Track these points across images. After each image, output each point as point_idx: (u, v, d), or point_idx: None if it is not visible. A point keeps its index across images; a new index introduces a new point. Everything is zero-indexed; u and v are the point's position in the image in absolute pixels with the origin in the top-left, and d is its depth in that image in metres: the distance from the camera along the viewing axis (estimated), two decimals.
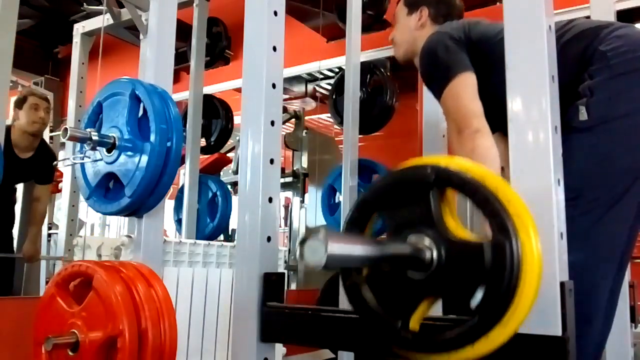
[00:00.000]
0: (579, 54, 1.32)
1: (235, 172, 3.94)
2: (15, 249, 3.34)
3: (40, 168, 3.14)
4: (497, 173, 1.36)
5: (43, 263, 3.73)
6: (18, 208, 3.49)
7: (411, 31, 1.81)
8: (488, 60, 1.46)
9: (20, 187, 3.49)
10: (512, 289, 0.70)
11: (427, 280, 0.77)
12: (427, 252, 0.77)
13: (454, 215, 0.81)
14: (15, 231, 3.49)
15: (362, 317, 0.85)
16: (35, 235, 3.17)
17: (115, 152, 1.24)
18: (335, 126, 3.50)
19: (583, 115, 1.24)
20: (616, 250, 1.25)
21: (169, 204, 1.69)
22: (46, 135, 3.84)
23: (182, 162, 2.57)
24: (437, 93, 1.49)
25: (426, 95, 2.11)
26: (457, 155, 1.41)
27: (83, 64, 3.21)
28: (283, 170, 3.66)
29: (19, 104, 3.03)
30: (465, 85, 1.43)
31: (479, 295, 0.72)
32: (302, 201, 3.93)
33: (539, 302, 0.80)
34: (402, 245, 0.79)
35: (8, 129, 2.86)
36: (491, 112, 1.44)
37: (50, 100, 3.23)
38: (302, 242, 0.67)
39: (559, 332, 0.78)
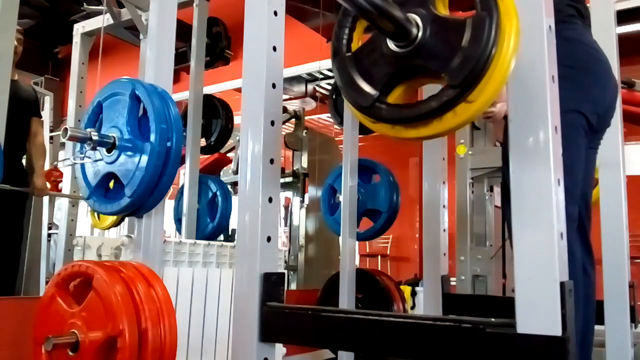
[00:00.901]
0: None
1: (235, 172, 3.94)
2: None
3: (29, 94, 3.14)
4: None
5: (43, 263, 3.72)
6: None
7: None
8: None
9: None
10: (485, 61, 0.74)
11: (409, 56, 0.82)
12: (414, 28, 0.81)
13: (445, 5, 0.86)
14: None
15: (346, 90, 0.88)
16: (41, 168, 3.16)
17: (115, 152, 1.24)
18: (335, 126, 3.50)
19: None
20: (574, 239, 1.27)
21: (169, 204, 1.69)
22: (46, 135, 3.83)
23: (182, 162, 2.57)
24: None
25: (426, 93, 2.11)
26: None
27: (83, 64, 3.21)
28: (283, 170, 3.66)
29: None
30: None
31: (452, 68, 0.76)
32: (302, 201, 3.93)
33: (539, 302, 0.80)
34: (394, 5, 0.81)
35: None
36: None
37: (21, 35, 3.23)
38: None
39: (559, 332, 0.78)
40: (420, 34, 0.81)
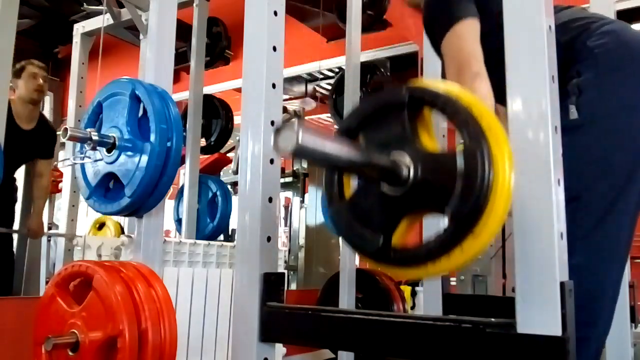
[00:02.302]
0: (567, 44, 1.29)
1: (235, 172, 3.94)
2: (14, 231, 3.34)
3: (42, 141, 3.15)
4: None
5: (43, 263, 3.72)
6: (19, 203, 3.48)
7: None
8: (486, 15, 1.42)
9: (20, 178, 3.47)
10: (485, 193, 0.72)
11: (405, 196, 0.80)
12: (404, 168, 0.80)
13: (431, 135, 0.84)
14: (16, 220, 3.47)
15: (348, 238, 0.88)
16: (39, 210, 3.17)
17: (115, 152, 1.24)
18: (335, 126, 3.50)
19: (573, 114, 1.23)
20: (618, 248, 1.25)
21: (169, 204, 1.69)
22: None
23: (182, 162, 2.57)
24: (439, 36, 1.44)
25: None
26: None
27: (83, 64, 3.21)
28: (283, 170, 3.66)
29: (18, 74, 3.04)
30: (470, 29, 1.39)
31: (452, 205, 0.74)
32: (302, 201, 3.93)
33: (539, 302, 0.80)
34: (380, 155, 0.81)
35: (8, 102, 2.87)
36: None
37: (46, 70, 3.23)
38: (277, 130, 0.68)
39: (559, 332, 0.78)
40: (411, 174, 0.79)
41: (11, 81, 3.02)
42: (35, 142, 3.12)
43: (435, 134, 0.86)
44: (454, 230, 0.74)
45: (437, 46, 1.45)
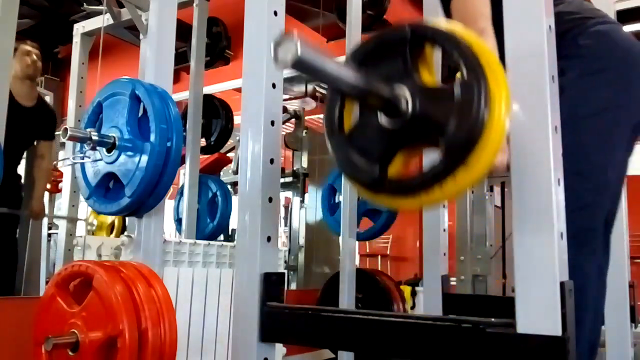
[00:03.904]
0: (560, 33, 1.30)
1: (235, 172, 3.93)
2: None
3: (43, 121, 3.15)
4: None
5: (43, 263, 3.72)
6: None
7: None
8: None
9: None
10: (479, 125, 0.74)
11: (403, 129, 0.82)
12: (403, 101, 0.81)
13: (432, 72, 0.86)
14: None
15: (346, 168, 0.90)
16: (41, 192, 3.16)
17: (115, 152, 1.24)
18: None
19: None
20: (596, 241, 1.25)
21: (169, 204, 1.69)
22: None
23: (182, 162, 2.57)
24: None
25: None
26: None
27: (83, 64, 3.21)
28: (283, 170, 3.66)
29: None
30: None
31: (447, 137, 0.76)
32: (302, 201, 3.93)
33: (539, 302, 0.80)
34: (381, 85, 0.82)
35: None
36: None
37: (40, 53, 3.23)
38: (277, 42, 0.68)
39: (559, 332, 0.78)
40: (410, 107, 0.81)
41: None
42: (37, 121, 3.11)
43: (436, 71, 0.88)
44: (447, 161, 0.76)
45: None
